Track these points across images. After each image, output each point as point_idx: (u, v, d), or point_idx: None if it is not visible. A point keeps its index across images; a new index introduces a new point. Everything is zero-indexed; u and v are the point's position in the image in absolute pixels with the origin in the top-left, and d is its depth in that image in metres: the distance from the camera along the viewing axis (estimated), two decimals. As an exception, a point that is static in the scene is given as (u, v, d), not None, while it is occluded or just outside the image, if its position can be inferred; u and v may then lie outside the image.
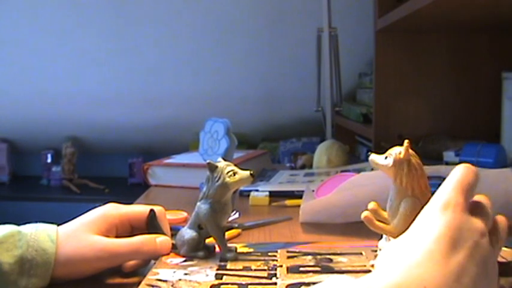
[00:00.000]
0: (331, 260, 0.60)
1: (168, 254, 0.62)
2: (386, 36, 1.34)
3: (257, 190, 1.00)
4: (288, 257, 0.62)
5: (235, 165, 0.63)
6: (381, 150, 0.56)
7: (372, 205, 0.54)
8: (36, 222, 0.59)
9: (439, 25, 1.26)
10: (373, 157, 0.54)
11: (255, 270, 0.58)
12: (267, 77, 2.28)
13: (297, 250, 0.65)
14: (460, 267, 0.36)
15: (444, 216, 0.39)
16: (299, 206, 0.83)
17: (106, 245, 0.58)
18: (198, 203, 0.63)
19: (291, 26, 2.12)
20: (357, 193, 0.77)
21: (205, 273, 0.57)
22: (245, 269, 0.58)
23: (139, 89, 2.33)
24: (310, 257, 0.62)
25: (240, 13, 2.13)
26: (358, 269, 0.58)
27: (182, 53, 2.22)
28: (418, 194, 0.52)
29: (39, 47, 2.23)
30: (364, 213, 0.53)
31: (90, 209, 0.62)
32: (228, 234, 0.70)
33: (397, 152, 0.52)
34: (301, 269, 0.57)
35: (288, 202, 0.94)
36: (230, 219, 0.78)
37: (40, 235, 0.56)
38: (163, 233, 0.63)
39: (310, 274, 0.56)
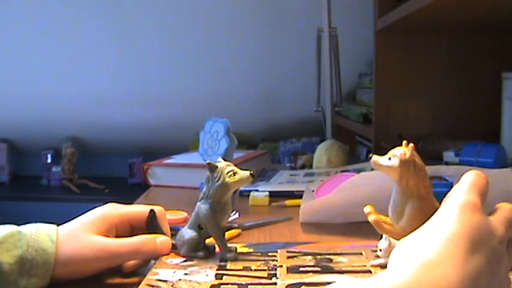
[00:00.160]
0: (331, 260, 0.60)
1: (168, 254, 0.62)
2: (386, 36, 1.34)
3: (257, 190, 1.00)
4: (288, 257, 0.62)
5: (235, 165, 0.63)
6: (381, 151, 0.56)
7: (368, 209, 0.53)
8: (36, 222, 0.59)
9: (439, 25, 1.26)
10: (376, 158, 0.53)
11: (255, 270, 0.58)
12: (267, 77, 2.28)
13: (297, 250, 0.65)
14: (477, 270, 0.35)
15: (463, 216, 0.38)
16: (299, 206, 0.83)
17: (106, 245, 0.58)
18: (198, 203, 0.63)
19: (291, 26, 2.12)
20: (356, 193, 0.77)
21: (205, 273, 0.57)
22: (245, 269, 0.58)
23: (140, 89, 2.33)
24: (310, 257, 0.62)
25: (240, 13, 2.13)
26: (358, 269, 0.58)
27: (182, 53, 2.22)
28: (423, 194, 0.51)
29: (39, 47, 2.23)
30: (372, 217, 0.52)
31: (90, 209, 0.62)
32: (228, 234, 0.70)
33: (402, 152, 0.52)
34: (301, 269, 0.57)
35: (288, 202, 0.94)
36: (230, 219, 0.78)
37: (40, 235, 0.56)
38: (163, 233, 0.63)
39: (310, 274, 0.56)
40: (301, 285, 0.52)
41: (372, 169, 1.10)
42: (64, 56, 2.25)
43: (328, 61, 1.44)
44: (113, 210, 0.62)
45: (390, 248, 0.57)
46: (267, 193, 0.98)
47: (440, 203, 0.42)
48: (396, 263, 0.37)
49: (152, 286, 0.54)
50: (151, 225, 0.63)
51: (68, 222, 0.60)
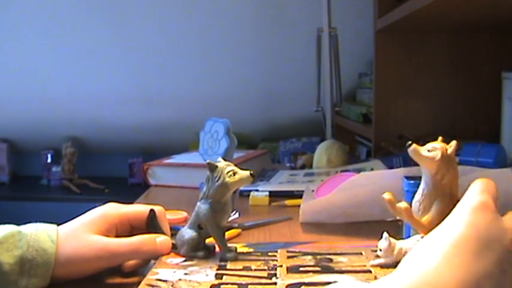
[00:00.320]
0: (331, 260, 0.60)
1: (168, 253, 0.62)
2: (386, 36, 1.35)
3: (257, 190, 1.00)
4: (288, 257, 0.62)
5: (235, 165, 0.63)
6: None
7: (387, 195, 0.51)
8: (36, 222, 0.59)
9: (439, 25, 1.26)
10: (417, 147, 0.51)
11: (255, 270, 0.58)
12: (267, 77, 2.28)
13: (297, 250, 0.65)
14: (482, 271, 0.35)
15: (473, 216, 0.38)
16: (299, 206, 0.83)
17: (106, 244, 0.58)
18: (198, 203, 0.63)
19: (291, 26, 2.12)
20: (356, 193, 0.77)
21: (205, 273, 0.57)
22: (245, 269, 0.58)
23: (140, 89, 2.33)
24: (310, 257, 0.62)
25: (241, 13, 2.13)
26: (358, 269, 0.58)
27: (182, 52, 2.22)
28: (455, 193, 0.51)
29: (39, 47, 2.23)
30: (401, 204, 0.50)
31: (90, 209, 0.62)
32: (228, 234, 0.70)
33: (443, 146, 0.51)
34: (301, 269, 0.57)
35: (288, 202, 0.94)
36: (230, 219, 0.78)
37: (40, 235, 0.56)
38: (163, 233, 0.63)
39: (310, 274, 0.56)
40: (301, 285, 0.52)
41: (372, 169, 1.11)
42: (64, 56, 2.25)
43: (328, 61, 1.44)
44: (112, 210, 0.62)
45: (390, 248, 0.57)
46: (267, 193, 0.98)
47: None
48: (404, 266, 0.37)
49: (152, 286, 0.54)
50: (151, 225, 0.63)
51: (68, 222, 0.60)
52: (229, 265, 0.59)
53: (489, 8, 1.00)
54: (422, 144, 0.54)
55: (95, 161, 2.65)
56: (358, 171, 1.02)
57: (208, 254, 0.63)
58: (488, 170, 0.82)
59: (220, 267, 0.59)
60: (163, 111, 2.39)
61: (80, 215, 0.61)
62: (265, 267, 0.58)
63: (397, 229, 0.65)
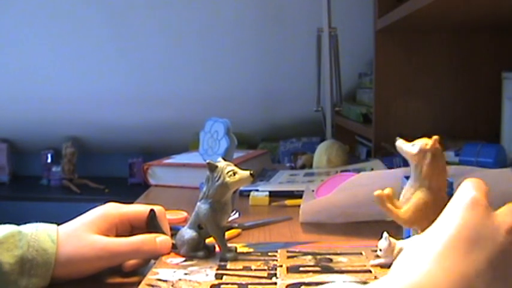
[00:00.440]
0: (331, 260, 0.60)
1: (168, 253, 0.62)
2: (386, 36, 1.35)
3: (257, 190, 1.00)
4: (288, 257, 0.62)
5: (235, 165, 0.63)
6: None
7: (388, 190, 0.54)
8: (36, 222, 0.59)
9: (439, 25, 1.26)
10: (400, 142, 0.55)
11: (255, 270, 0.58)
12: (267, 77, 2.28)
13: (297, 250, 0.65)
14: (473, 271, 0.35)
15: (464, 215, 0.38)
16: (299, 206, 0.83)
17: (106, 244, 0.58)
18: (198, 203, 0.63)
19: (291, 26, 2.12)
20: (356, 193, 0.77)
21: (205, 273, 0.57)
22: (245, 269, 0.58)
23: (140, 89, 2.33)
24: (310, 257, 0.62)
25: (241, 13, 2.13)
26: (358, 269, 0.58)
27: (182, 52, 2.22)
28: (434, 188, 0.52)
29: (39, 47, 2.23)
30: (377, 192, 0.52)
31: (90, 209, 0.62)
32: (228, 234, 0.70)
33: (424, 141, 0.53)
34: (301, 269, 0.58)
35: (288, 202, 0.94)
36: (230, 219, 0.78)
37: (40, 235, 0.56)
38: (163, 233, 0.63)
39: (310, 274, 0.56)
40: (301, 285, 0.52)
41: (372, 169, 1.11)
42: (64, 56, 2.25)
43: (328, 61, 1.44)
44: (113, 210, 0.62)
45: (390, 248, 0.57)
46: (267, 193, 0.98)
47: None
48: (397, 268, 0.37)
49: (152, 286, 0.54)
50: (151, 224, 0.64)
51: (68, 222, 0.60)
52: (229, 265, 0.59)
53: (489, 8, 1.00)
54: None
55: (95, 161, 2.65)
56: (358, 171, 1.02)
57: (208, 254, 0.63)
58: (488, 170, 0.83)
59: (220, 267, 0.59)
60: (163, 111, 2.39)
61: (80, 215, 0.61)
62: (265, 267, 0.58)
63: (397, 229, 0.65)
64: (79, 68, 2.28)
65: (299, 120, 2.35)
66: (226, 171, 0.62)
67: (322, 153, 1.27)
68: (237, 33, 2.17)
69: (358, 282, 0.53)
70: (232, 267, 0.59)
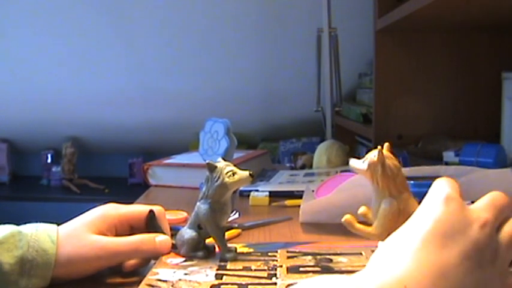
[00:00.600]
0: (331, 260, 0.60)
1: (168, 253, 0.62)
2: (386, 36, 1.34)
3: (257, 190, 1.00)
4: (288, 257, 0.62)
5: (235, 165, 0.63)
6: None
7: (362, 209, 0.55)
8: (36, 222, 0.59)
9: (439, 25, 1.26)
10: (352, 161, 0.55)
11: (255, 270, 0.58)
12: (266, 77, 2.28)
13: (297, 250, 0.65)
14: (447, 263, 0.36)
15: (438, 210, 0.39)
16: (299, 206, 0.83)
17: (106, 244, 0.58)
18: (198, 203, 0.63)
19: (291, 26, 2.12)
20: (356, 193, 0.76)
21: (205, 273, 0.57)
22: (245, 269, 0.58)
23: (139, 89, 2.33)
24: (310, 257, 0.62)
25: (241, 13, 2.13)
26: (358, 269, 0.57)
27: (182, 53, 2.22)
28: (394, 194, 0.53)
29: (39, 47, 2.23)
30: (345, 217, 0.53)
31: (90, 209, 0.62)
32: (228, 234, 0.70)
33: (372, 155, 0.53)
34: (301, 269, 0.58)
35: (288, 202, 0.94)
36: (230, 219, 0.78)
37: (40, 235, 0.56)
38: (162, 233, 0.63)
39: (310, 274, 0.56)
40: (301, 285, 0.52)
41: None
42: (64, 56, 2.25)
43: (328, 61, 1.44)
44: (112, 210, 0.62)
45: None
46: (267, 193, 0.98)
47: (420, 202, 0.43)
48: (373, 262, 0.38)
49: (152, 286, 0.54)
50: (150, 225, 0.64)
51: (68, 222, 0.60)
52: (229, 265, 0.59)
53: (489, 8, 1.00)
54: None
55: (95, 161, 2.65)
56: (358, 171, 1.02)
57: (208, 254, 0.63)
58: (488, 170, 0.82)
59: (220, 267, 0.59)
60: (163, 111, 2.39)
61: (79, 215, 0.61)
62: (265, 268, 0.58)
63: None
64: (79, 68, 2.28)
65: (299, 120, 2.35)
66: (225, 171, 0.62)
67: (322, 153, 1.27)
68: (237, 33, 2.17)
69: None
70: (232, 268, 0.59)
